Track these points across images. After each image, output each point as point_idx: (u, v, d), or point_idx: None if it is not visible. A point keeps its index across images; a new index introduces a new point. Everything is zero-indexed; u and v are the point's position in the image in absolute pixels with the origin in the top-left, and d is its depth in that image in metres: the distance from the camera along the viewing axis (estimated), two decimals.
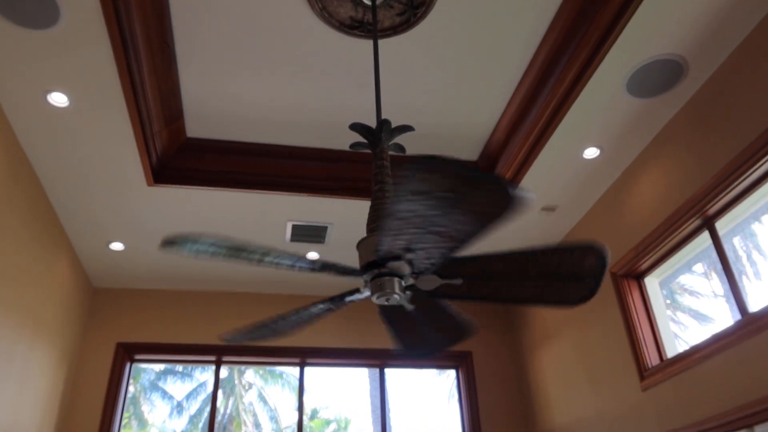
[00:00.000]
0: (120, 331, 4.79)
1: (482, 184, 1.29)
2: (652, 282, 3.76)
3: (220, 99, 3.23)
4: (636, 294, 3.74)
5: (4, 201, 3.14)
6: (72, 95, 2.97)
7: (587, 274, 1.84)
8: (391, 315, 2.11)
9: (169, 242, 1.54)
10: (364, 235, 1.94)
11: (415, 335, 2.24)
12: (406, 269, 1.75)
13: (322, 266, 1.77)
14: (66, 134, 3.22)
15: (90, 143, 3.30)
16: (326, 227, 4.17)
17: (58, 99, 2.97)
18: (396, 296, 1.79)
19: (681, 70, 3.04)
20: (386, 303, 1.83)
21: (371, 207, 2.01)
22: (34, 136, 3.22)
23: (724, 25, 2.82)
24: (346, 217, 4.06)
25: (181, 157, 3.60)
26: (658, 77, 3.08)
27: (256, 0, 2.67)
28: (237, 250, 1.62)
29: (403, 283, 1.80)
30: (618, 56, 2.92)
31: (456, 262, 1.82)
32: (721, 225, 3.17)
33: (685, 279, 3.70)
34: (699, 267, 3.57)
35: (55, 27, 2.59)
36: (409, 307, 1.94)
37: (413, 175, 1.25)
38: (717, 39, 2.89)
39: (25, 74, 2.83)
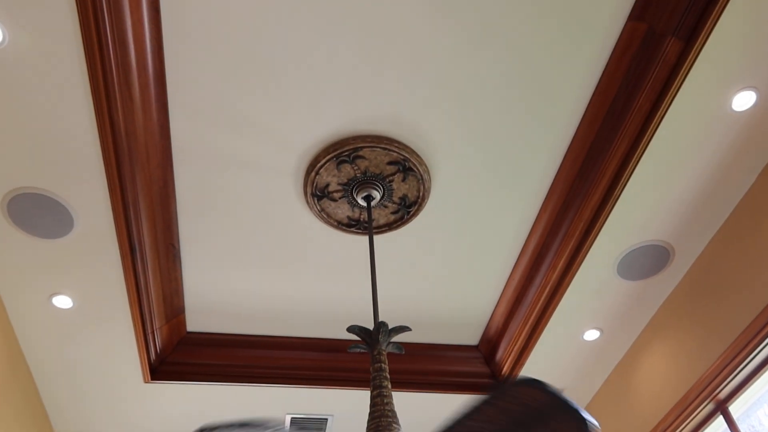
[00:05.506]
0: None
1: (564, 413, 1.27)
2: None
3: (221, 293, 3.29)
4: None
5: None
6: (76, 298, 3.03)
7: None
8: None
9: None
10: (365, 427, 1.85)
11: None
12: None
13: None
14: (66, 333, 3.23)
15: (89, 342, 3.30)
16: (326, 419, 4.01)
17: (63, 302, 3.03)
18: None
19: (667, 254, 3.15)
20: None
21: (370, 414, 1.95)
22: (33, 335, 3.22)
23: (703, 209, 2.98)
24: (346, 409, 3.91)
25: (179, 352, 3.57)
26: (646, 262, 3.17)
27: (259, 204, 2.85)
28: None
29: None
30: (604, 245, 3.05)
31: None
32: (737, 406, 3.05)
33: None
34: None
35: (67, 236, 2.74)
36: None
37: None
38: (698, 223, 3.04)
39: (33, 279, 2.93)
